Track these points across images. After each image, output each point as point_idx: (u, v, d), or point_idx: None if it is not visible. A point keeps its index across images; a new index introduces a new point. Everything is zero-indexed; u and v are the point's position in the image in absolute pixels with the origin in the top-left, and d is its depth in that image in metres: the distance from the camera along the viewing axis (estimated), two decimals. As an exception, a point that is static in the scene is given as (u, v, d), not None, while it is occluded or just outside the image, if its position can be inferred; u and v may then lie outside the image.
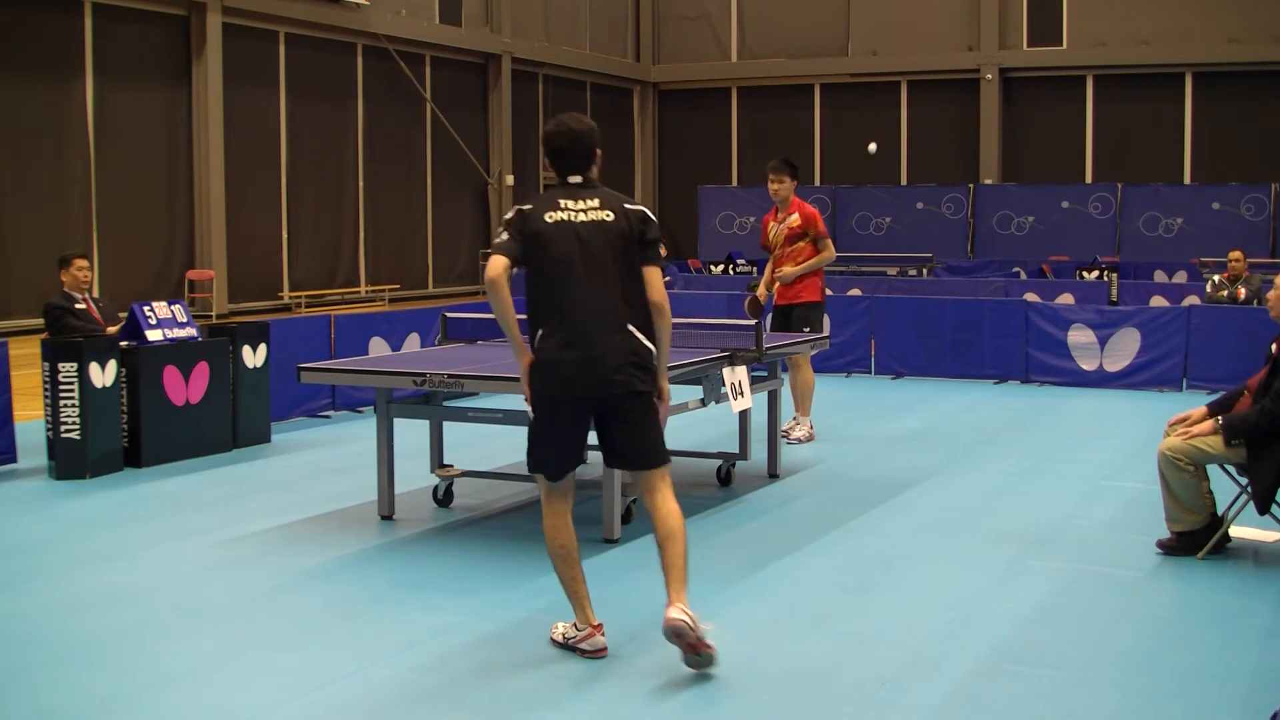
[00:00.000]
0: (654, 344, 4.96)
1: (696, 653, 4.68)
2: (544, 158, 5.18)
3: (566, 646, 5.01)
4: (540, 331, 4.90)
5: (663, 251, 5.11)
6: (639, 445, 4.98)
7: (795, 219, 9.68)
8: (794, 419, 9.72)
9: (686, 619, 4.63)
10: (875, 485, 8.15)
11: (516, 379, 6.52)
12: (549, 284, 4.88)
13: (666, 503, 4.92)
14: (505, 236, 4.88)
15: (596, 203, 4.93)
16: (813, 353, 9.54)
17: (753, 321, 7.80)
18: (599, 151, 5.03)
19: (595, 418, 4.97)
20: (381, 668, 4.87)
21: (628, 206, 4.97)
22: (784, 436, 9.29)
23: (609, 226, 4.89)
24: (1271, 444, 6.04)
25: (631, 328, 4.89)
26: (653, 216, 5.04)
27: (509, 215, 4.96)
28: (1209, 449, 6.25)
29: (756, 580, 6.04)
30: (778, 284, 9.73)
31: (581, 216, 4.89)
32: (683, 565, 4.82)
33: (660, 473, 4.97)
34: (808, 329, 9.48)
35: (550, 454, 4.98)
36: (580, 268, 4.84)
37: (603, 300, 4.85)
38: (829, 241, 9.81)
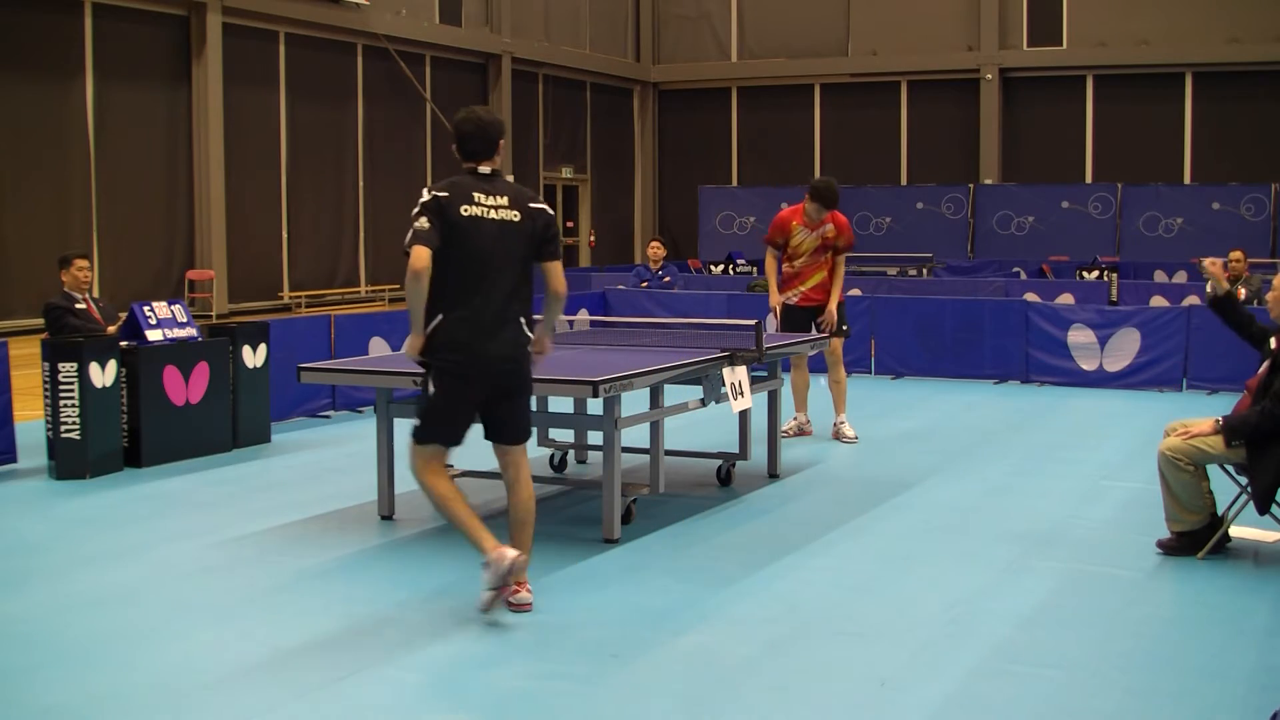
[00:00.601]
0: (540, 326, 5.57)
1: (497, 604, 5.32)
2: (453, 146, 5.52)
3: (498, 596, 5.34)
4: (445, 316, 5.31)
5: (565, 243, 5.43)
6: (519, 424, 5.58)
7: (831, 229, 9.55)
8: (799, 420, 9.84)
9: (528, 604, 5.39)
10: (875, 485, 8.16)
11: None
12: (460, 275, 5.28)
13: (528, 482, 5.57)
14: (426, 224, 5.23)
15: (506, 200, 5.38)
16: (812, 353, 9.53)
17: (752, 322, 7.79)
18: (502, 143, 5.47)
19: (485, 397, 5.45)
20: (381, 667, 4.87)
21: (532, 206, 5.45)
22: (836, 438, 9.61)
23: (516, 227, 5.38)
24: (1271, 444, 6.04)
25: (521, 320, 5.44)
26: (552, 213, 5.52)
27: (426, 200, 5.28)
28: (1209, 449, 6.25)
29: (756, 580, 6.04)
30: (800, 288, 9.62)
31: (493, 214, 5.34)
32: (529, 546, 5.52)
33: (524, 448, 5.60)
34: (846, 326, 9.77)
35: (450, 427, 5.47)
36: (489, 264, 5.30)
37: (504, 295, 5.35)
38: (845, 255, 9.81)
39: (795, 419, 9.87)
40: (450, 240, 5.25)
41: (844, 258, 9.68)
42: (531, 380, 5.61)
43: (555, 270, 5.50)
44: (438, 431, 5.47)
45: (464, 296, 5.29)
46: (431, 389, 5.40)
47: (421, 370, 5.52)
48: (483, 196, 5.33)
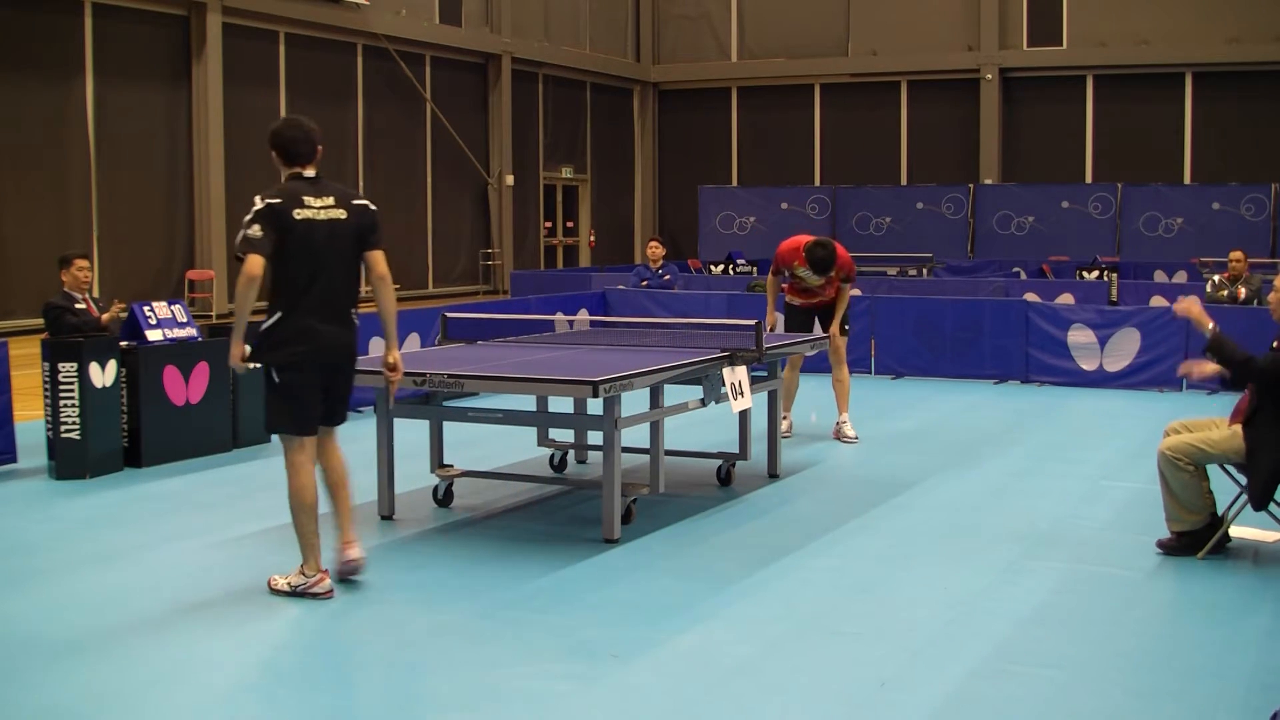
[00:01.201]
0: (383, 316, 6.02)
1: (351, 575, 5.86)
2: (273, 150, 5.82)
3: (296, 594, 5.70)
4: (285, 313, 5.67)
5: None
6: (342, 408, 6.01)
7: (833, 277, 9.62)
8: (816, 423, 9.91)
9: (363, 559, 5.86)
10: (875, 485, 8.16)
11: (517, 379, 6.57)
12: (297, 274, 5.64)
13: (340, 454, 5.98)
14: (259, 232, 5.56)
15: (332, 200, 5.75)
16: (812, 353, 9.53)
17: (752, 322, 7.79)
18: (320, 147, 5.86)
19: (324, 384, 5.83)
20: (382, 668, 4.87)
21: (355, 203, 5.85)
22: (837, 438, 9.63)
23: (343, 225, 5.75)
24: (1268, 438, 6.04)
25: (351, 312, 5.88)
26: (374, 208, 5.92)
27: (260, 207, 5.61)
28: (1209, 449, 6.25)
29: (756, 580, 6.04)
30: (803, 292, 9.74)
31: (323, 215, 5.70)
32: (350, 507, 5.92)
33: (332, 431, 5.99)
34: (847, 326, 9.94)
35: (304, 417, 5.76)
36: (322, 262, 5.68)
37: (337, 289, 5.76)
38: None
39: (786, 418, 9.79)
40: (286, 243, 5.59)
41: (849, 285, 9.81)
42: (354, 365, 6.04)
43: (379, 258, 5.95)
44: (293, 423, 5.75)
45: (303, 293, 5.65)
46: (278, 382, 5.71)
47: (260, 370, 5.82)
48: (312, 199, 5.69)
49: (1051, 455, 9.16)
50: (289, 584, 5.75)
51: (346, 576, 5.85)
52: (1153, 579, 6.09)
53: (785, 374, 9.65)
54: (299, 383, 5.70)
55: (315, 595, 5.68)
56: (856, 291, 10.28)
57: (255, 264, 5.51)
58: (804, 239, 9.64)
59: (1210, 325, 6.28)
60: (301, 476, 5.73)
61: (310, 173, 5.77)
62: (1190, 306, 6.41)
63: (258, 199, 5.64)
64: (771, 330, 9.73)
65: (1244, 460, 6.19)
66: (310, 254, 5.64)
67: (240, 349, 5.69)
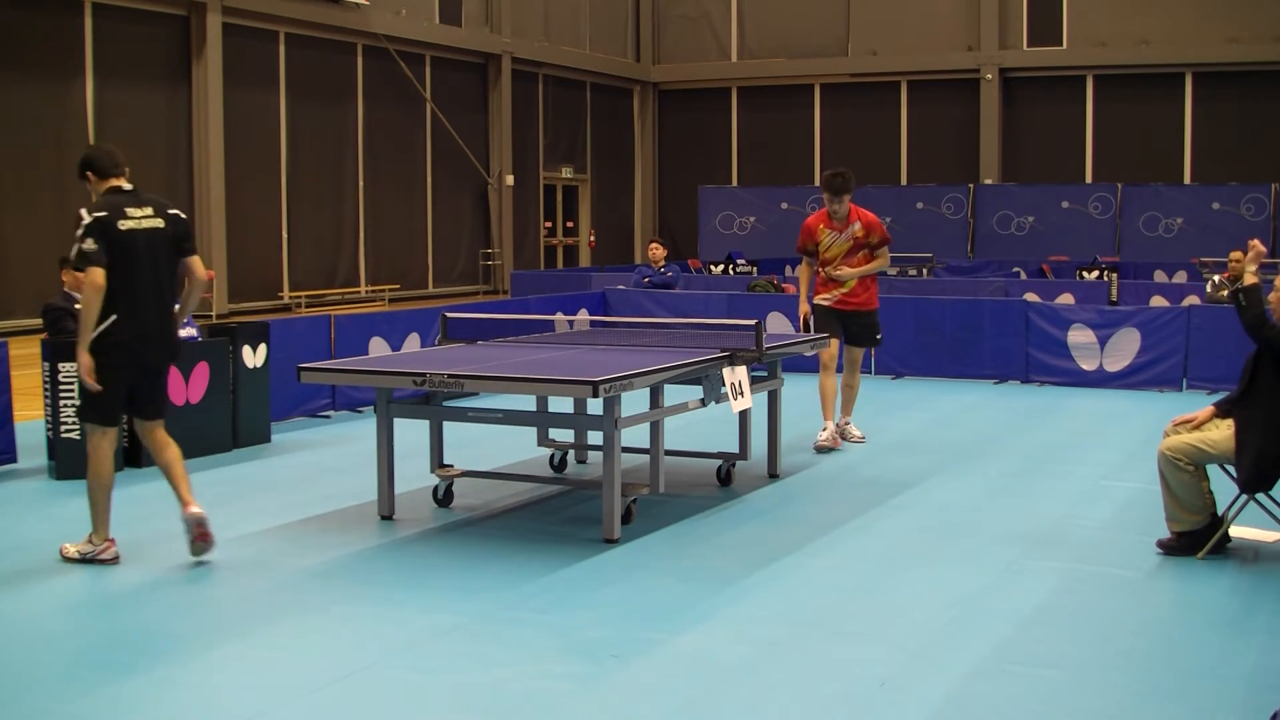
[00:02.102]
0: (181, 303, 6.49)
1: (203, 540, 6.24)
2: (86, 170, 6.38)
3: (85, 560, 6.23)
4: (114, 317, 6.12)
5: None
6: (162, 400, 6.51)
7: (859, 228, 9.29)
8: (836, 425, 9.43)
9: (203, 512, 6.26)
10: (875, 485, 8.16)
11: (517, 379, 6.58)
12: (123, 280, 6.13)
13: (169, 444, 6.42)
14: (93, 245, 6.06)
15: (150, 211, 6.27)
16: (811, 353, 9.51)
17: (752, 322, 7.78)
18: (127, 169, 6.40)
19: (136, 380, 6.32)
20: (381, 668, 4.87)
21: (169, 211, 6.35)
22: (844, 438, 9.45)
23: (161, 233, 6.27)
24: (1257, 416, 6.05)
25: (171, 313, 6.39)
26: (185, 216, 6.47)
27: (89, 222, 6.10)
28: (1209, 449, 6.25)
29: (756, 580, 6.04)
30: (837, 291, 9.37)
31: (144, 224, 6.22)
32: (186, 474, 6.38)
33: (161, 421, 6.49)
34: (879, 335, 9.76)
35: (113, 409, 6.29)
36: (145, 268, 6.20)
37: (160, 293, 6.27)
38: (886, 248, 9.47)
39: (827, 427, 9.30)
40: (113, 253, 6.10)
41: (885, 250, 9.42)
42: (169, 366, 6.55)
43: (195, 262, 6.43)
44: (105, 416, 6.26)
45: (128, 298, 6.16)
46: (93, 383, 6.14)
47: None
48: (134, 210, 6.22)
49: (1051, 455, 9.16)
50: (79, 552, 6.27)
51: (200, 532, 6.25)
52: (1153, 579, 6.09)
53: (821, 381, 9.35)
54: (112, 380, 6.18)
55: (102, 561, 6.22)
56: (878, 264, 9.48)
57: (99, 275, 6.04)
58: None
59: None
60: (103, 462, 6.25)
61: (127, 185, 6.31)
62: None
63: (84, 213, 6.13)
64: (805, 321, 9.43)
65: (1237, 437, 6.17)
66: (136, 263, 6.17)
67: (88, 360, 6.10)
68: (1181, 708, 4.51)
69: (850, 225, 9.31)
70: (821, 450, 9.13)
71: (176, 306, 6.47)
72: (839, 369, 9.55)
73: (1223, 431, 6.30)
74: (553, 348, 8.08)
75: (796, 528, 7.06)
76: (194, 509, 6.26)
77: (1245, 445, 6.10)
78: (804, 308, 9.53)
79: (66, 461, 8.30)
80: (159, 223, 6.28)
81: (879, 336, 9.74)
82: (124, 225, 6.17)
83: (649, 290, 15.05)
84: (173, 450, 6.43)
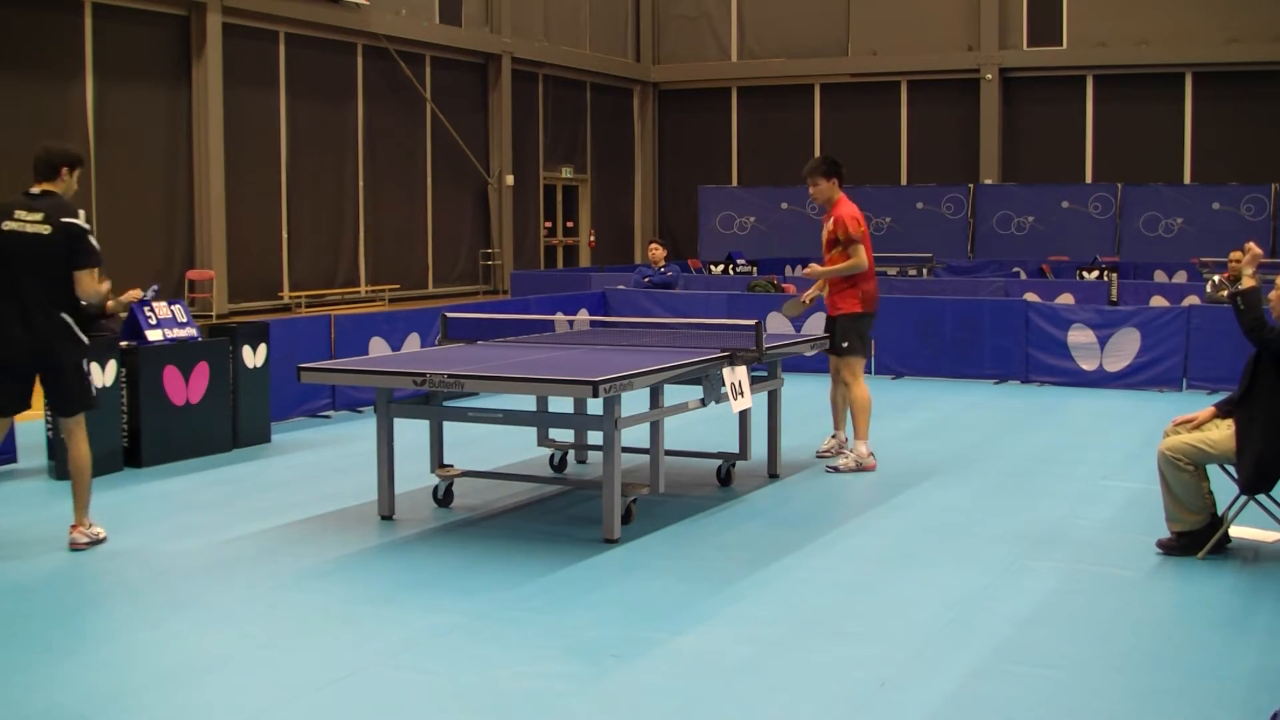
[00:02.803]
0: (78, 322, 6.43)
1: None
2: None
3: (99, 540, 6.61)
4: None
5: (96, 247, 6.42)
6: (63, 398, 6.56)
7: (832, 223, 8.70)
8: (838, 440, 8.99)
9: (86, 540, 6.55)
10: (875, 485, 8.16)
11: (517, 379, 6.58)
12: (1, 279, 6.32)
13: (80, 444, 6.57)
14: None
15: (40, 216, 6.36)
16: (812, 353, 9.50)
17: (752, 322, 7.78)
18: (65, 168, 6.59)
19: (28, 376, 6.52)
20: (381, 668, 4.87)
21: (63, 220, 6.36)
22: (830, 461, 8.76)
23: (44, 239, 6.32)
24: (1258, 415, 6.05)
25: (64, 315, 6.39)
26: (82, 227, 6.40)
27: None
28: (1209, 449, 6.25)
29: (756, 580, 6.04)
30: (826, 290, 8.90)
31: (28, 228, 6.33)
32: (82, 493, 6.58)
33: (74, 420, 6.58)
34: (846, 344, 8.58)
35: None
36: (20, 269, 6.30)
37: (36, 295, 6.31)
38: (859, 248, 8.51)
39: (834, 436, 9.08)
40: None
41: (853, 250, 8.51)
42: (74, 363, 6.54)
43: (80, 276, 6.36)
44: None
45: (2, 298, 6.33)
46: None
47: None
48: (23, 213, 6.37)
49: (1051, 455, 9.16)
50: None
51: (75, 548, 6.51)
52: (1153, 579, 6.09)
53: (830, 390, 9.07)
54: None
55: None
56: (851, 264, 8.51)
57: None
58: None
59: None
60: None
61: (37, 189, 6.48)
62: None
63: None
64: (803, 297, 9.14)
65: (1238, 438, 6.18)
66: (10, 263, 6.31)
67: None
68: (1181, 708, 4.51)
69: (829, 220, 8.80)
70: (822, 457, 8.99)
71: (64, 314, 6.43)
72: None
73: (1223, 431, 6.30)
74: (553, 348, 8.08)
75: (796, 528, 7.06)
76: (74, 535, 6.56)
77: (1246, 447, 6.10)
78: (807, 294, 9.21)
79: (66, 461, 8.28)
80: (45, 229, 6.35)
81: (844, 345, 8.59)
82: (7, 226, 6.36)
83: (649, 290, 15.05)
84: (79, 455, 6.57)
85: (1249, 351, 6.29)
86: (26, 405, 6.67)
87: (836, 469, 8.54)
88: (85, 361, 6.68)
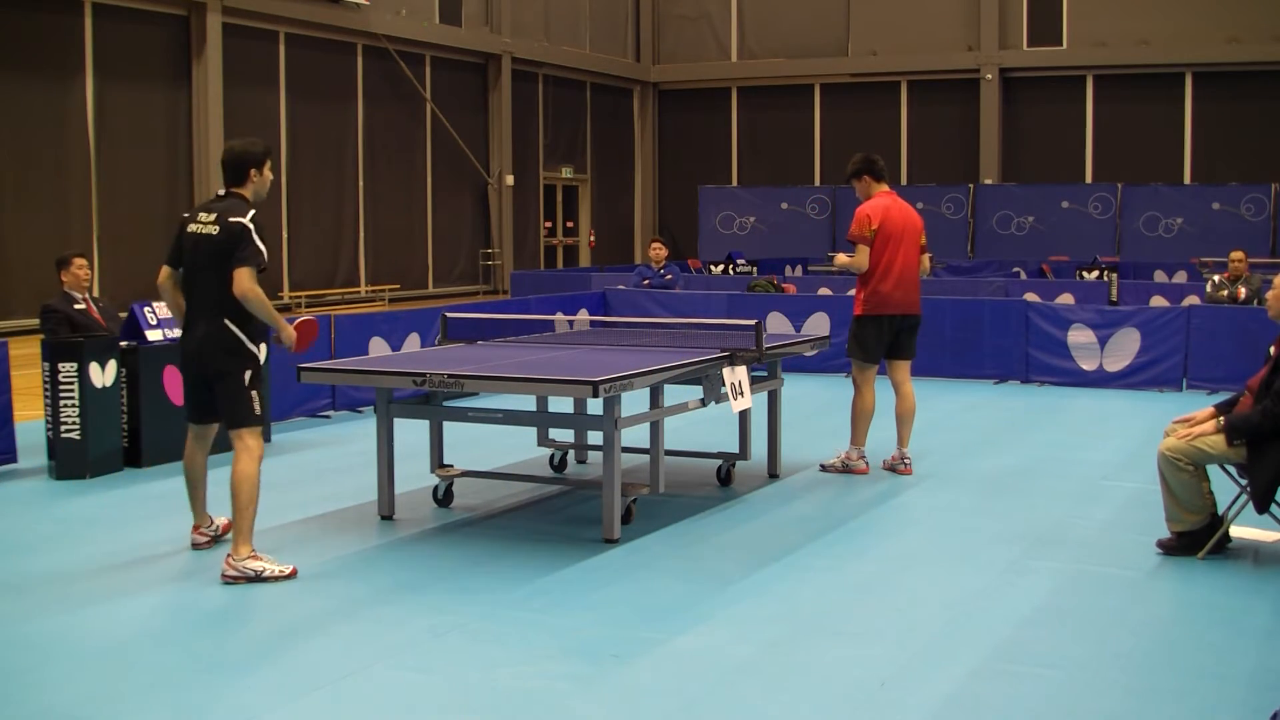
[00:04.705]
0: (244, 330, 6.19)
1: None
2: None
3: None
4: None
5: (261, 253, 6.13)
6: (223, 408, 6.26)
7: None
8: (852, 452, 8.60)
9: (235, 573, 6.00)
10: (875, 485, 8.16)
11: (517, 379, 6.58)
12: (186, 281, 6.33)
13: (238, 460, 6.18)
14: (172, 246, 6.36)
15: (214, 217, 6.18)
16: (811, 353, 9.49)
17: (752, 322, 7.78)
18: (253, 169, 6.31)
19: (194, 381, 6.36)
20: (381, 668, 4.87)
21: (230, 219, 6.13)
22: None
23: (213, 239, 6.14)
24: (1270, 443, 6.05)
25: (227, 321, 6.15)
26: (245, 225, 6.09)
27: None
28: (1209, 449, 6.25)
29: (756, 580, 6.04)
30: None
31: (202, 229, 6.19)
32: (238, 518, 6.12)
33: (237, 432, 6.21)
34: (847, 348, 8.63)
35: (186, 405, 6.50)
36: (194, 273, 6.24)
37: (205, 299, 6.18)
38: (861, 248, 8.33)
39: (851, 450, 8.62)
40: (180, 254, 6.32)
41: (858, 247, 8.37)
42: (227, 373, 6.19)
43: (237, 275, 6.08)
44: (184, 410, 6.54)
45: (188, 298, 6.35)
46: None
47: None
48: (204, 215, 6.25)
49: (1051, 455, 9.16)
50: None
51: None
52: (1153, 579, 6.09)
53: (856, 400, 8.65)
54: (185, 379, 6.48)
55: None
56: (851, 263, 8.39)
57: (160, 273, 6.43)
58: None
59: (1213, 425, 6.29)
60: (185, 450, 6.58)
61: (222, 191, 6.34)
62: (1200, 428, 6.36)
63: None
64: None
65: (1245, 462, 6.19)
66: (188, 265, 6.28)
67: None
68: (1181, 708, 4.51)
69: None
70: (886, 469, 8.63)
71: (227, 320, 6.15)
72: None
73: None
74: (553, 348, 8.08)
75: (796, 528, 7.06)
76: (226, 563, 6.08)
77: (1258, 472, 6.07)
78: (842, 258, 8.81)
79: (66, 461, 8.30)
80: (213, 229, 6.15)
81: (847, 348, 8.63)
82: (190, 229, 6.24)
83: (649, 290, 15.05)
84: (234, 474, 6.16)
85: (1249, 352, 6.29)
86: (214, 414, 6.38)
87: (824, 467, 8.58)
88: (249, 373, 6.20)
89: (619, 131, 32.24)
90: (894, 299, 8.47)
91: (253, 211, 6.17)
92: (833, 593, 5.87)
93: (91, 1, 19.39)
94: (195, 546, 6.63)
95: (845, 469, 8.55)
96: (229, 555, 6.03)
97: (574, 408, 7.36)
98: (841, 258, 8.67)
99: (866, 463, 8.59)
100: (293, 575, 6.03)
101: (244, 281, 6.05)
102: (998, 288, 16.90)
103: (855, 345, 8.58)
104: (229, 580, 5.95)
